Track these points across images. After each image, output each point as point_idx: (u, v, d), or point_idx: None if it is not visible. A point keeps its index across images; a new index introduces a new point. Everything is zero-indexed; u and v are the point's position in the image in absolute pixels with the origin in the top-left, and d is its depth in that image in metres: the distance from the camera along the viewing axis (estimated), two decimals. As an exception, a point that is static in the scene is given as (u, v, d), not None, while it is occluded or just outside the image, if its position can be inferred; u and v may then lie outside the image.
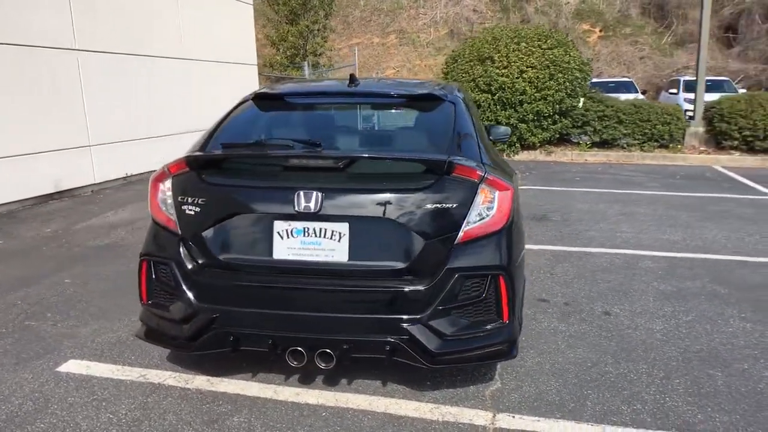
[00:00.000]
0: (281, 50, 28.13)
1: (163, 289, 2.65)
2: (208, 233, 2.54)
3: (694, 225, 6.22)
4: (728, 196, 7.92)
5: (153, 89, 9.48)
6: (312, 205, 2.40)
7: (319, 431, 2.52)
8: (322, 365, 2.48)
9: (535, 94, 10.71)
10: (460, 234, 2.44)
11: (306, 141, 2.65)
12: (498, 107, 10.97)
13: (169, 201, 2.64)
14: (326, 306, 2.45)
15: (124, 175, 9.00)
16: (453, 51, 12.42)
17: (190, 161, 2.58)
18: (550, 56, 10.76)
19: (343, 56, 32.54)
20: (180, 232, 2.59)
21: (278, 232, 2.48)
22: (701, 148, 11.31)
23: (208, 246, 2.54)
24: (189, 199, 2.56)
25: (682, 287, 4.32)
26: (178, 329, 2.59)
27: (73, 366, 3.11)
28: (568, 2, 34.86)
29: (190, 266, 2.54)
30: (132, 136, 9.10)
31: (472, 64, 11.28)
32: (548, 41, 11.01)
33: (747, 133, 10.72)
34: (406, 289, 2.41)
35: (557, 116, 11.07)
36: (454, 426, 2.58)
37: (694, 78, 23.76)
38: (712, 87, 21.49)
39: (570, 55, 10.96)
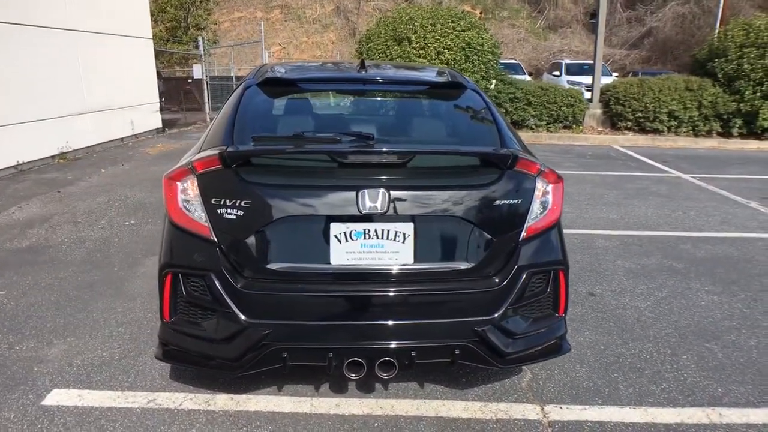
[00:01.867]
0: (159, 23, 26.17)
1: (196, 305, 2.31)
2: (252, 239, 2.24)
3: (623, 203, 6.69)
4: (639, 174, 8.62)
5: (36, 64, 8.30)
6: (378, 204, 2.20)
7: (381, 445, 2.37)
8: (384, 375, 2.31)
9: (453, 76, 10.87)
10: (525, 229, 2.38)
11: (357, 134, 2.41)
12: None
13: (197, 203, 2.29)
14: (391, 312, 2.28)
15: (15, 164, 7.87)
16: (367, 30, 12.24)
17: (226, 157, 2.24)
18: (465, 38, 10.97)
19: (225, 31, 30.96)
20: (216, 239, 2.26)
21: (335, 236, 2.25)
22: (599, 129, 12.22)
23: (254, 254, 2.24)
24: (227, 201, 2.23)
25: (644, 264, 4.62)
26: (219, 349, 2.27)
27: (61, 397, 2.65)
28: (450, -18, 35.82)
29: (233, 278, 2.23)
30: (18, 119, 7.94)
31: (388, 44, 11.19)
32: (461, 23, 11.20)
33: (639, 114, 11.74)
34: (477, 290, 2.30)
35: (472, 98, 11.32)
36: (510, 423, 2.54)
37: (575, 61, 25.38)
38: (589, 70, 23.19)
39: (482, 38, 11.25)
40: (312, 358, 2.29)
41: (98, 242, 4.91)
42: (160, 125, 12.47)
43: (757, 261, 4.74)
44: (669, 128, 11.76)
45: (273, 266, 2.25)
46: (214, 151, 2.32)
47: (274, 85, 2.83)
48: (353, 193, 2.21)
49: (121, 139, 10.75)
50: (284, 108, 2.92)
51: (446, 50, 10.86)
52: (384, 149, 2.32)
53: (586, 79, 17.60)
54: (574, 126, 11.98)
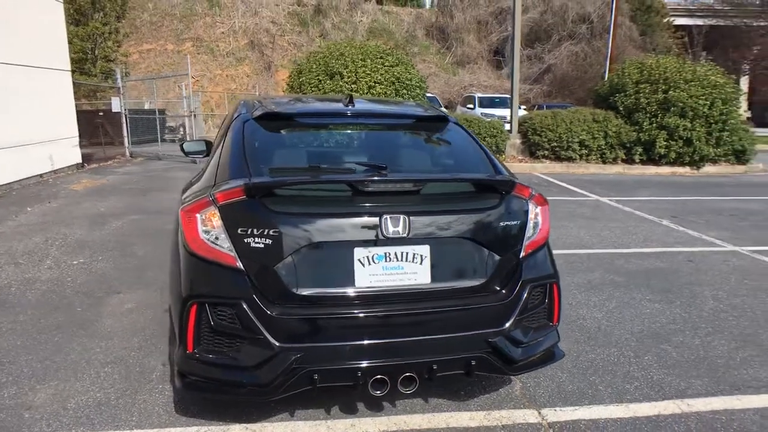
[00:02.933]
0: (65, 55, 24.96)
1: (224, 333, 2.34)
2: (280, 267, 2.33)
3: (557, 225, 7.23)
4: (563, 198, 9.33)
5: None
6: (400, 229, 2.38)
7: (405, 457, 2.49)
8: (407, 390, 2.45)
9: (384, 109, 11.28)
10: (524, 248, 2.64)
11: (370, 164, 2.59)
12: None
13: (220, 234, 2.35)
14: (412, 330, 2.44)
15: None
16: (298, 64, 12.44)
17: (252, 188, 2.33)
18: (395, 73, 11.45)
19: (133, 63, 29.99)
20: (243, 267, 2.33)
21: (359, 260, 2.40)
22: (520, 158, 13.06)
23: (283, 281, 2.33)
24: (254, 230, 2.32)
25: (590, 279, 5.06)
26: (250, 375, 2.32)
27: (68, 443, 2.55)
28: (362, 20, 37.00)
29: (264, 304, 2.30)
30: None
31: (320, 78, 11.44)
32: (389, 59, 11.69)
33: (554, 144, 12.70)
34: (488, 304, 2.52)
35: (402, 130, 11.77)
36: (515, 428, 2.76)
37: (486, 95, 26.82)
38: (500, 103, 24.65)
39: (411, 73, 11.79)
40: (340, 379, 2.39)
41: (50, 283, 4.67)
42: (79, 160, 11.88)
43: (682, 272, 5.33)
44: (581, 156, 12.80)
45: (302, 292, 2.35)
46: (237, 183, 2.40)
47: (272, 120, 2.94)
48: (376, 219, 2.37)
49: (41, 176, 10.14)
50: (287, 141, 3.03)
51: (377, 84, 11.27)
52: (403, 178, 2.51)
53: (498, 112, 18.72)
54: (497, 155, 12.72)
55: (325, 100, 3.57)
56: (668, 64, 12.80)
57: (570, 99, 31.66)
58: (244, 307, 2.29)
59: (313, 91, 11.33)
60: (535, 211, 2.71)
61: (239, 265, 2.33)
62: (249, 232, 2.32)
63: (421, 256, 2.46)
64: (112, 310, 4.11)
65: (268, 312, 2.30)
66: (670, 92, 12.23)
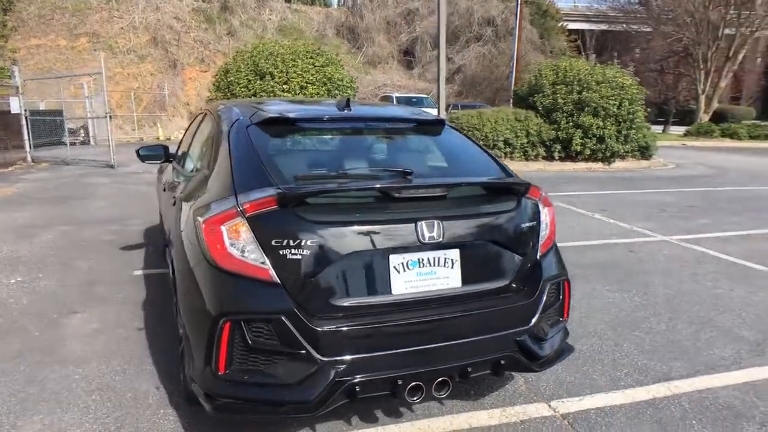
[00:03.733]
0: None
1: (261, 351, 2.23)
2: (319, 278, 2.25)
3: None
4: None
5: None
6: (435, 234, 2.38)
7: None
8: (440, 394, 2.46)
9: (317, 110, 11.15)
10: (540, 247, 2.73)
11: (396, 170, 2.56)
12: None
13: (250, 246, 2.24)
14: (448, 334, 2.44)
15: None
16: (225, 64, 11.99)
17: (284, 198, 2.23)
18: (326, 73, 11.36)
19: (21, 59, 27.60)
20: (279, 280, 2.23)
21: (395, 267, 2.37)
22: (448, 156, 13.40)
23: (322, 292, 2.26)
24: (289, 241, 2.22)
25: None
26: (292, 392, 2.22)
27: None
28: (270, 18, 36.42)
29: (305, 318, 2.21)
30: None
31: (249, 78, 11.11)
32: (320, 59, 11.58)
33: (481, 143, 13.11)
34: (515, 304, 2.58)
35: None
36: (532, 422, 2.85)
37: (404, 94, 27.24)
38: (417, 103, 25.17)
39: (341, 73, 11.74)
40: (381, 389, 2.35)
41: (-10, 306, 4.21)
42: (-22, 167, 10.77)
43: (629, 261, 5.72)
44: (505, 154, 13.35)
45: (342, 302, 2.29)
46: (266, 192, 2.28)
47: (275, 125, 2.84)
48: (411, 225, 2.36)
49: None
50: (298, 147, 2.94)
51: (309, 84, 11.12)
52: (436, 183, 2.51)
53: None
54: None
55: (320, 103, 3.48)
56: (581, 67, 13.67)
57: (480, 98, 32.95)
58: (285, 321, 2.19)
59: (242, 91, 10.99)
60: (544, 212, 2.81)
61: (275, 278, 2.23)
62: (284, 243, 2.22)
63: (452, 260, 2.47)
64: (74, 332, 3.77)
65: (310, 325, 2.21)
66: (583, 93, 13.07)
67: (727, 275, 5.30)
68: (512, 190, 2.70)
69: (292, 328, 2.20)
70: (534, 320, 2.62)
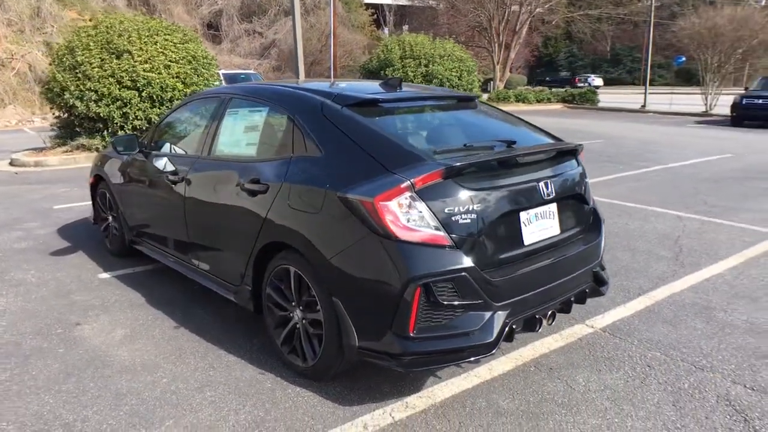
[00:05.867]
0: None
1: (445, 306, 2.52)
2: (482, 238, 2.62)
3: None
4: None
5: None
6: (551, 191, 2.88)
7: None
8: (550, 323, 3.01)
9: (185, 90, 10.51)
10: (591, 197, 3.39)
11: (504, 140, 2.97)
12: (148, 105, 10.21)
13: (425, 215, 2.51)
14: (562, 273, 2.98)
15: None
16: (68, 41, 10.49)
17: (449, 171, 2.54)
18: (189, 51, 10.71)
19: None
20: (455, 243, 2.54)
21: (523, 222, 2.82)
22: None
23: (485, 249, 2.63)
24: (457, 208, 2.55)
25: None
26: (472, 338, 2.57)
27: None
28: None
29: (481, 272, 2.57)
30: None
31: (103, 57, 10.00)
32: (178, 35, 10.86)
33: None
34: (591, 243, 3.21)
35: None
36: (586, 338, 3.55)
37: (230, 71, 26.19)
38: (245, 79, 24.53)
39: (203, 50, 11.15)
40: (527, 327, 2.82)
41: (-33, 333, 3.61)
42: None
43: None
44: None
45: (501, 256, 2.70)
46: (432, 167, 2.55)
47: (366, 106, 3.05)
48: (535, 185, 2.84)
49: None
50: (398, 125, 3.16)
51: (173, 63, 10.41)
52: (546, 147, 2.99)
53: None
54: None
55: (369, 84, 3.65)
56: (424, 42, 14.78)
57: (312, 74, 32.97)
58: (468, 277, 2.53)
59: (97, 73, 9.86)
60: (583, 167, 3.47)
61: (450, 241, 2.53)
62: (454, 210, 2.54)
63: (553, 212, 3.00)
64: (107, 341, 3.49)
65: (487, 277, 2.58)
66: (430, 66, 14.22)
67: (617, 213, 6.64)
68: (575, 150, 3.29)
69: (473, 281, 2.54)
70: (601, 254, 3.29)
